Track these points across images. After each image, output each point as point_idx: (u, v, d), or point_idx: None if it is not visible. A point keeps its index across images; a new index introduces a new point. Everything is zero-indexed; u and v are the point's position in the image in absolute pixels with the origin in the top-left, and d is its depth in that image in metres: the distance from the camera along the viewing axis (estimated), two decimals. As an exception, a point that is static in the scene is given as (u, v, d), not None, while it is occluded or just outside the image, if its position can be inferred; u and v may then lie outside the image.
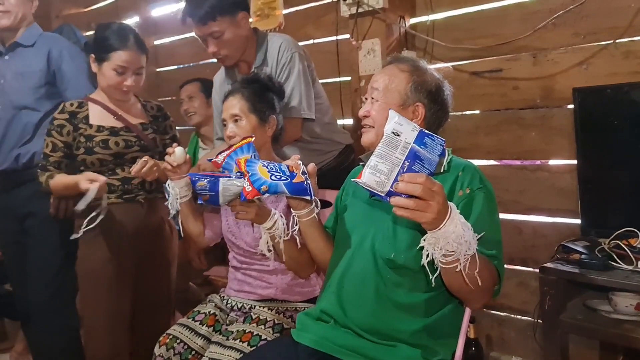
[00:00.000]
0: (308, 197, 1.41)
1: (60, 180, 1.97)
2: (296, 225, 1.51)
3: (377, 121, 1.44)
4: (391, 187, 1.10)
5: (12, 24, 2.28)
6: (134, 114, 2.10)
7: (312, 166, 1.47)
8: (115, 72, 1.97)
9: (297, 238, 1.52)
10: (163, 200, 2.05)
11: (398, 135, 1.13)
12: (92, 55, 2.01)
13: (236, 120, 1.78)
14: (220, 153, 1.56)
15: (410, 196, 1.08)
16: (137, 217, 2.03)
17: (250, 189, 1.38)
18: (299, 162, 1.44)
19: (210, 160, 1.61)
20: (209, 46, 2.06)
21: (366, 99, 1.51)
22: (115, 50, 1.96)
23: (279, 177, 1.39)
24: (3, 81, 2.30)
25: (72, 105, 2.04)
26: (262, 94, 1.83)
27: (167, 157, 1.72)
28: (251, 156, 1.51)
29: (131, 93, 2.08)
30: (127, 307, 2.03)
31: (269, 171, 1.40)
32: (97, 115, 2.03)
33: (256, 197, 1.43)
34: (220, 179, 1.50)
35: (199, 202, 1.55)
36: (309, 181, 1.41)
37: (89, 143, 1.97)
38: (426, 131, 1.18)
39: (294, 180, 1.40)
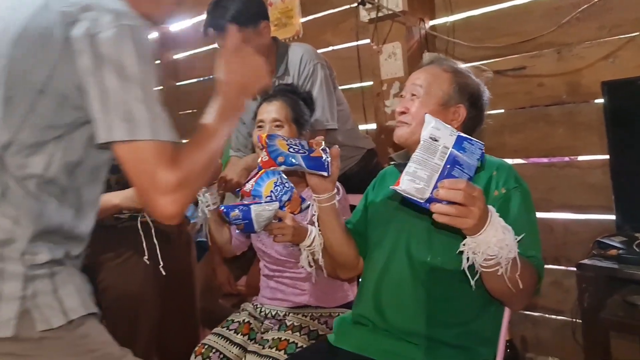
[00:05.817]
0: (325, 173, 1.39)
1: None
2: (315, 212, 1.48)
3: (416, 118, 1.40)
4: (431, 193, 1.08)
5: None
6: None
7: (335, 148, 1.43)
8: None
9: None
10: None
11: (436, 140, 1.11)
12: None
13: (277, 126, 1.78)
14: (247, 181, 1.58)
15: (450, 202, 1.07)
16: (168, 233, 1.92)
17: (266, 159, 1.38)
18: (322, 141, 1.43)
19: (238, 191, 1.61)
20: None
21: (402, 96, 1.47)
22: None
23: (296, 149, 1.39)
24: None
25: None
26: (302, 106, 1.84)
27: None
28: (277, 179, 1.54)
29: None
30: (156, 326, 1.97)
31: (287, 144, 1.40)
32: None
33: (290, 215, 1.45)
34: (252, 206, 1.50)
35: (236, 232, 1.55)
36: (328, 159, 1.39)
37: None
38: (464, 135, 1.16)
39: (311, 155, 1.39)
